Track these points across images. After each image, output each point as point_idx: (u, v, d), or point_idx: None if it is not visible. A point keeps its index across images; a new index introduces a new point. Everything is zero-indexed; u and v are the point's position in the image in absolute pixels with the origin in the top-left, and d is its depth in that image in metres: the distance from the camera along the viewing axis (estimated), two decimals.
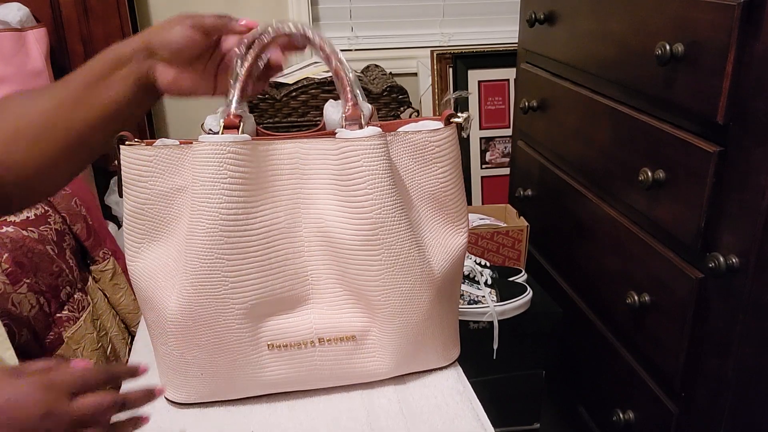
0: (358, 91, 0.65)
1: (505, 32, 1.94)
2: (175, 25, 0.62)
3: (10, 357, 0.63)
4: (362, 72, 1.72)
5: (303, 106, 1.44)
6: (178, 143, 0.63)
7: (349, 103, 0.65)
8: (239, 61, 0.63)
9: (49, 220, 1.16)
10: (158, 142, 0.63)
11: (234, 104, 0.64)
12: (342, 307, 0.67)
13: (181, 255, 0.62)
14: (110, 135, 0.66)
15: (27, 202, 0.70)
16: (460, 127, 0.67)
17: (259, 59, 0.64)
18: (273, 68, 0.67)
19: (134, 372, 0.54)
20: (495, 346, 1.12)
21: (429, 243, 0.68)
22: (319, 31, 0.65)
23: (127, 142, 0.62)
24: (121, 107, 0.64)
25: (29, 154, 0.63)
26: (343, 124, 0.65)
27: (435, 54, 1.79)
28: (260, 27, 0.63)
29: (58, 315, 1.07)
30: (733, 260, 0.79)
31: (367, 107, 0.67)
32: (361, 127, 0.64)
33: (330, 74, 0.66)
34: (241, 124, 0.64)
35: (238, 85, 0.64)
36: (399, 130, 0.67)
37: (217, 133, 0.64)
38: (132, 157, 0.62)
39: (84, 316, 1.13)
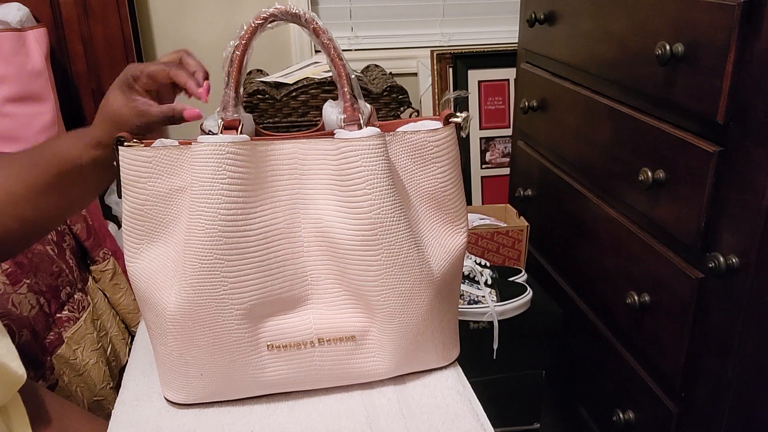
0: (356, 91, 0.65)
1: (505, 32, 1.94)
2: (129, 118, 0.63)
3: (18, 366, 0.63)
4: (362, 72, 1.71)
5: (303, 106, 1.44)
6: (177, 144, 0.63)
7: (347, 104, 0.65)
8: (229, 61, 0.63)
9: None
10: (157, 142, 0.63)
11: (230, 109, 0.64)
12: (341, 307, 0.67)
13: (180, 256, 0.62)
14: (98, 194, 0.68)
15: (31, 243, 0.72)
16: (459, 127, 0.67)
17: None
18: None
19: None
20: (495, 346, 1.12)
21: (428, 243, 0.68)
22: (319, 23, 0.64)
23: (125, 143, 0.62)
24: (98, 187, 0.68)
25: (21, 223, 0.65)
26: (342, 125, 0.65)
27: (435, 54, 1.79)
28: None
29: (58, 315, 1.06)
30: (733, 260, 0.79)
31: (366, 107, 0.67)
32: (360, 127, 0.64)
33: (330, 74, 0.66)
34: (241, 124, 0.64)
35: (232, 92, 0.64)
36: (398, 130, 0.66)
37: (216, 134, 0.63)
38: (130, 158, 0.62)
39: (84, 316, 1.13)
